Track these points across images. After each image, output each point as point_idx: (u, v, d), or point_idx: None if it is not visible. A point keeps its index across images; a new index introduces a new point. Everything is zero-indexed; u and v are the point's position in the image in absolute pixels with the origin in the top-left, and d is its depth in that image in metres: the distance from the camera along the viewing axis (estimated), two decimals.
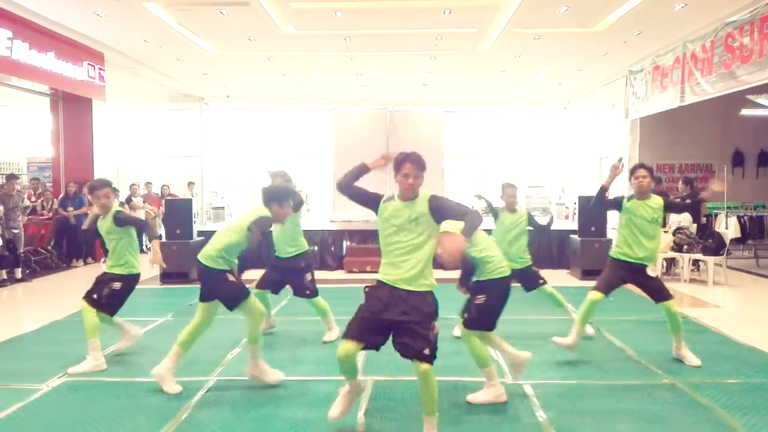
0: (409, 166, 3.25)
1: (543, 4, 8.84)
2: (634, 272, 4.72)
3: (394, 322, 3.16)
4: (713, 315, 6.53)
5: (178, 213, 9.01)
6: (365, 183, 3.40)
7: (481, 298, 4.04)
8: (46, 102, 11.41)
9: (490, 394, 3.91)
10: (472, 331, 3.98)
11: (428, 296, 3.23)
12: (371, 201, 3.37)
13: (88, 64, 10.91)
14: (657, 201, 4.76)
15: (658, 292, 4.70)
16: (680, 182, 10.07)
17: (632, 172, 4.89)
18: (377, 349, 3.27)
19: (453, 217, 3.18)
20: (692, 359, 4.67)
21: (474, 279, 4.22)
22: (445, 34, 10.63)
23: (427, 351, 3.11)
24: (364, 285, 3.37)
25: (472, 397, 3.93)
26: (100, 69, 11.31)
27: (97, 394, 4.03)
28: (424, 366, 3.11)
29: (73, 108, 11.33)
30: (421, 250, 3.20)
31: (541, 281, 5.61)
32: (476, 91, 16.42)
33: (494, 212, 5.75)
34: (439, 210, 3.21)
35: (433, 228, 3.24)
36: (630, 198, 4.85)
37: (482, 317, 4.01)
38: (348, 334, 3.21)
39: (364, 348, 3.24)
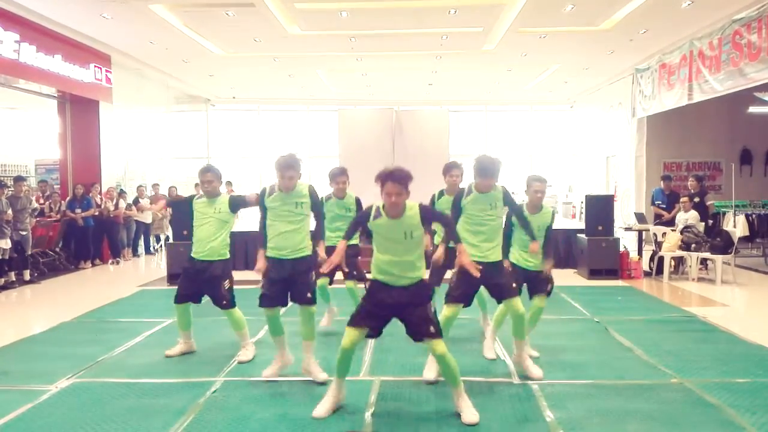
0: (390, 185, 3.28)
1: (549, 2, 8.81)
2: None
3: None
4: (722, 314, 6.49)
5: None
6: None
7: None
8: (54, 104, 11.47)
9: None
10: None
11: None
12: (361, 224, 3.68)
13: (95, 66, 10.96)
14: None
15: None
16: (690, 179, 10.00)
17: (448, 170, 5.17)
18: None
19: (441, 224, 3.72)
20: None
21: None
22: (450, 34, 10.62)
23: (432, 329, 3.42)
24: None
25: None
26: (106, 71, 11.36)
27: (106, 395, 4.04)
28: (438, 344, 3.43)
29: (80, 110, 11.38)
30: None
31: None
32: (482, 91, 16.39)
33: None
34: (428, 218, 3.53)
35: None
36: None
37: None
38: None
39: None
